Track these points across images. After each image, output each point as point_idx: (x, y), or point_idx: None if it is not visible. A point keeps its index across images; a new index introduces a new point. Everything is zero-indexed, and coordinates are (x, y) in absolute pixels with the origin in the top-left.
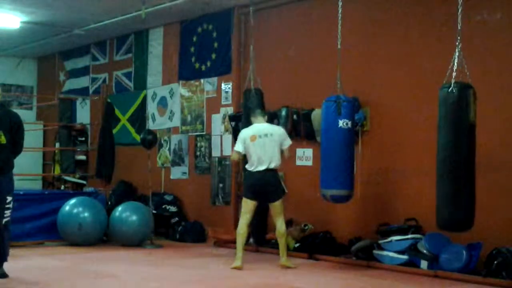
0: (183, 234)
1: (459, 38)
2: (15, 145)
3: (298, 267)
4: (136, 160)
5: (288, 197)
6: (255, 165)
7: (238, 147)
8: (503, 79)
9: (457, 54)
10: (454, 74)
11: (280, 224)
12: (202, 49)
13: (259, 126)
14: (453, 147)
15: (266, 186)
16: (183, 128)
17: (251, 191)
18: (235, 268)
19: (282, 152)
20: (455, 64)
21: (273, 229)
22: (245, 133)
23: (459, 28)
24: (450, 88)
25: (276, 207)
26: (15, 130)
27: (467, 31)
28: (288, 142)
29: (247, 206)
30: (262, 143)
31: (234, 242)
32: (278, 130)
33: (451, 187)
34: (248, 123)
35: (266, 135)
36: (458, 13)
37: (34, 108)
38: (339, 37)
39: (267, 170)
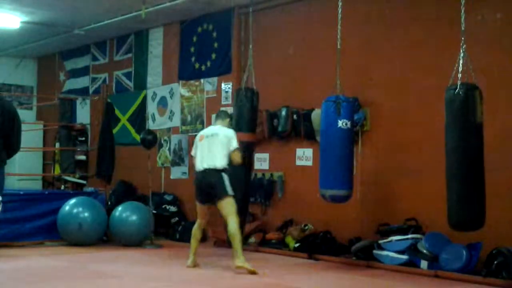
0: (183, 234)
1: (463, 39)
2: (8, 138)
3: (258, 273)
4: (136, 160)
5: (288, 197)
6: (198, 165)
7: (192, 151)
8: (503, 79)
9: (461, 55)
10: (459, 75)
11: (230, 224)
12: (202, 49)
13: (211, 127)
14: (461, 148)
15: (206, 187)
16: (183, 128)
17: (196, 193)
18: (189, 266)
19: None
20: (460, 65)
21: (273, 229)
22: (197, 135)
23: (462, 28)
24: (457, 90)
25: (221, 206)
26: (7, 121)
27: (467, 30)
28: (234, 144)
29: (198, 209)
30: (207, 143)
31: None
32: (225, 131)
33: (462, 187)
34: (238, 123)
35: (212, 135)
36: (462, 13)
37: (34, 108)
38: (339, 37)
39: (208, 170)
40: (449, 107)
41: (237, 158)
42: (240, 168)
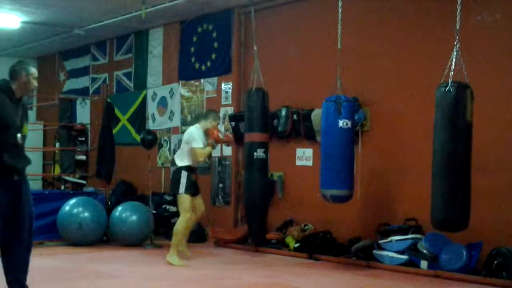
0: None
1: (457, 38)
2: None
3: (189, 263)
4: (136, 160)
5: (288, 197)
6: None
7: None
8: (502, 79)
9: (455, 54)
10: (451, 73)
11: (178, 221)
12: (202, 49)
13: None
14: (449, 147)
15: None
16: (183, 128)
17: None
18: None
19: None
20: (453, 63)
21: (273, 229)
22: None
23: (457, 27)
24: (447, 88)
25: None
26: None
27: (467, 31)
28: (192, 143)
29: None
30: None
31: (234, 242)
32: (188, 131)
33: (447, 187)
34: (249, 124)
35: (183, 134)
36: (457, 13)
37: (34, 108)
38: (339, 37)
39: (174, 167)
40: (439, 104)
41: (197, 156)
42: (256, 170)
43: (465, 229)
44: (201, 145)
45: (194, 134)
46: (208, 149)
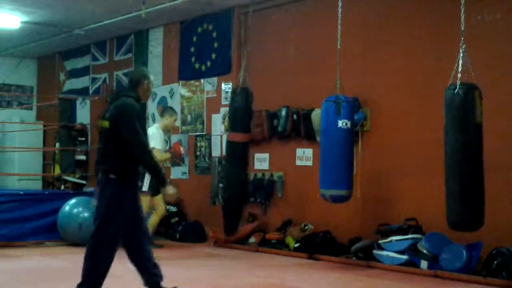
0: (183, 234)
1: (462, 38)
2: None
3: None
4: None
5: (288, 197)
6: None
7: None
8: (503, 79)
9: (461, 55)
10: (459, 75)
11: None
12: (202, 49)
13: None
14: (461, 148)
15: None
16: (183, 128)
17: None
18: None
19: None
20: (460, 65)
21: (273, 229)
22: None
23: (462, 28)
24: (456, 90)
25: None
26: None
27: (467, 30)
28: (153, 142)
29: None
30: None
31: (233, 242)
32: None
33: (461, 187)
34: (232, 123)
35: None
36: (461, 13)
37: (34, 108)
38: (339, 37)
39: None
40: (449, 107)
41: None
42: (235, 168)
43: (480, 228)
44: (159, 146)
45: (154, 134)
46: (166, 155)
